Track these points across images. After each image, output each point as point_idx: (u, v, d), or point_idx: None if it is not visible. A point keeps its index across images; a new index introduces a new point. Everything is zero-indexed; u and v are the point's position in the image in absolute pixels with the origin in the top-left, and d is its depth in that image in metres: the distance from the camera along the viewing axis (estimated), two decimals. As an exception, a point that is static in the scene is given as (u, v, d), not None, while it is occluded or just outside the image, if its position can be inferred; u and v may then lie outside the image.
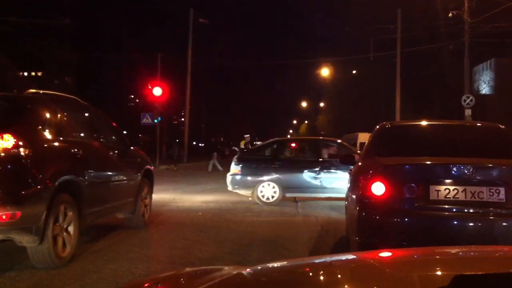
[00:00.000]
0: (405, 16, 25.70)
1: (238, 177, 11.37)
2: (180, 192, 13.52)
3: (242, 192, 11.54)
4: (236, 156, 12.16)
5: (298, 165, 11.41)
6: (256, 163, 11.56)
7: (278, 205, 10.90)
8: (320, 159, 11.33)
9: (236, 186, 11.46)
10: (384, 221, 4.35)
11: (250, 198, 11.45)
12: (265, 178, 11.17)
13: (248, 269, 1.56)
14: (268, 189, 11.14)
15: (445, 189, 4.23)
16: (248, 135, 22.82)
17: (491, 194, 4.19)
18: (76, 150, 5.53)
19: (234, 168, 11.50)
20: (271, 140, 13.30)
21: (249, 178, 11.29)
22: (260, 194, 11.12)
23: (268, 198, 11.08)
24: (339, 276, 1.52)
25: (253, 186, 11.20)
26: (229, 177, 11.64)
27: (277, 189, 11.08)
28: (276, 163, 11.44)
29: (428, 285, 1.03)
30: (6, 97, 5.48)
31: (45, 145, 5.04)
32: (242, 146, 21.72)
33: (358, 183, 4.66)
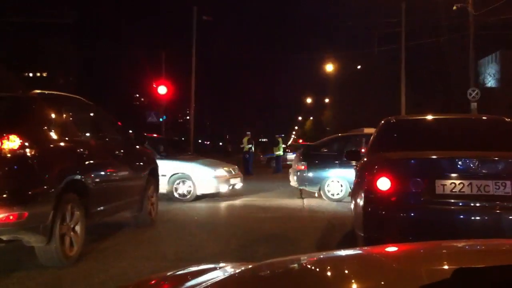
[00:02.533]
0: (409, 10, 25.58)
1: (303, 174, 11.21)
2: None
3: (309, 189, 11.43)
4: (300, 152, 11.99)
5: None
6: (322, 160, 11.44)
7: (284, 200, 10.91)
8: None
9: (302, 183, 11.33)
10: (390, 216, 4.35)
11: (316, 195, 11.36)
12: (331, 174, 11.05)
13: (254, 265, 1.57)
14: (334, 185, 11.04)
15: (451, 183, 4.22)
16: (249, 132, 22.74)
17: (497, 187, 4.17)
18: (81, 149, 5.55)
19: (299, 164, 11.33)
20: (335, 135, 13.11)
21: (315, 175, 11.16)
22: (327, 192, 11.04)
23: (338, 194, 10.98)
24: (345, 271, 1.52)
25: (320, 182, 11.07)
26: (293, 174, 11.48)
27: (343, 185, 10.98)
28: (341, 159, 11.22)
29: (434, 279, 1.03)
30: (12, 98, 5.51)
31: (51, 145, 5.06)
32: (246, 143, 21.52)
33: (363, 178, 4.66)
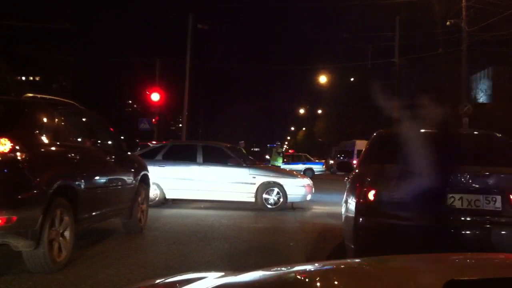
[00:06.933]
0: (403, 24, 25.79)
1: None
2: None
3: None
4: None
5: None
6: None
7: (275, 211, 10.90)
8: None
9: None
10: (381, 229, 4.35)
11: None
12: None
13: (243, 275, 1.56)
14: None
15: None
16: (242, 141, 22.67)
17: (487, 202, 4.20)
18: (73, 154, 5.51)
19: None
20: None
21: None
22: None
23: None
24: (335, 282, 1.52)
25: None
26: None
27: None
28: None
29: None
30: (4, 101, 5.48)
31: (42, 150, 5.03)
32: None
33: (354, 190, 4.67)
